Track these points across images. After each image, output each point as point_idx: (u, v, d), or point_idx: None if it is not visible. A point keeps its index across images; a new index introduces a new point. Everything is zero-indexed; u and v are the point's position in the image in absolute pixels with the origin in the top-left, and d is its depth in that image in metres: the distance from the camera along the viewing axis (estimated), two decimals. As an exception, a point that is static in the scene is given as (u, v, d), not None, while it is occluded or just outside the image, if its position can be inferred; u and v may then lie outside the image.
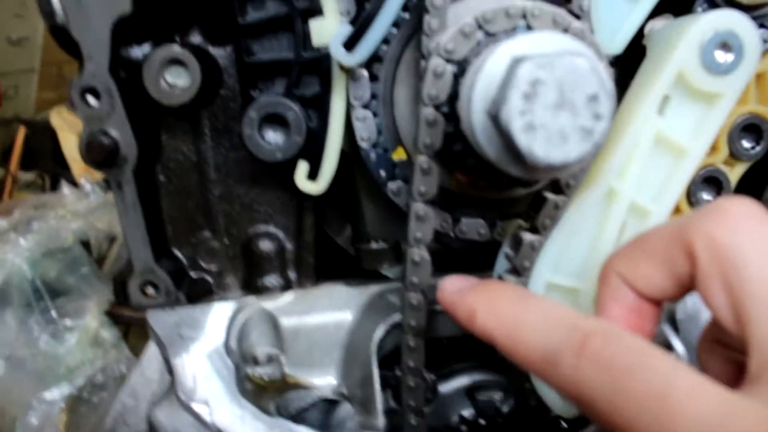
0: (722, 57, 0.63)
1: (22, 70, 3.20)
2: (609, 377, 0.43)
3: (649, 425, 0.41)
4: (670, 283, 0.50)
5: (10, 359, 2.09)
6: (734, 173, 0.75)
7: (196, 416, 0.67)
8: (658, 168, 0.65)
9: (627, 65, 0.69)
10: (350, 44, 0.63)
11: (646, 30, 0.70)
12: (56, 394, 2.11)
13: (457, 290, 0.54)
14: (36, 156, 2.91)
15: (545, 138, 0.50)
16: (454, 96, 0.59)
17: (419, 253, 0.63)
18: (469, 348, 0.80)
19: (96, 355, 2.19)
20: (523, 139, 0.50)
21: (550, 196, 0.63)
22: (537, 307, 0.50)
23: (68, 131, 2.91)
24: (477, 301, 0.52)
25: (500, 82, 0.51)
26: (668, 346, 0.79)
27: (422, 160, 0.61)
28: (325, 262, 0.84)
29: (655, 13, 0.68)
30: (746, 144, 0.75)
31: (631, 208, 0.65)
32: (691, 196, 0.74)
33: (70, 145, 2.87)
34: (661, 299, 0.52)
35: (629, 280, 0.52)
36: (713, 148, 0.74)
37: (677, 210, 0.75)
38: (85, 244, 2.32)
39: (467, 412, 0.76)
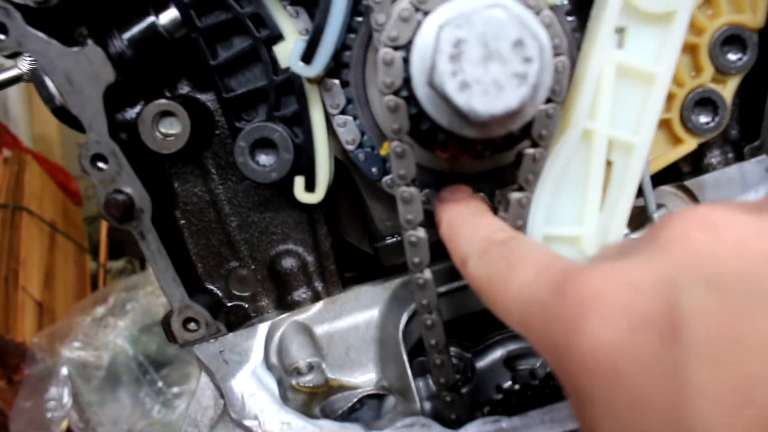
0: (664, -25, 0.63)
1: (96, 169, 3.44)
2: (488, 266, 0.52)
3: (498, 290, 0.49)
4: None
5: (130, 433, 2.22)
6: (727, 90, 0.74)
7: (248, 430, 0.71)
8: (630, 99, 0.65)
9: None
10: (307, 57, 0.67)
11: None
12: (176, 458, 2.23)
13: (443, 200, 0.67)
14: (122, 244, 3.11)
15: (482, 92, 0.52)
16: (408, 79, 0.61)
17: (414, 234, 0.65)
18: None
19: (206, 415, 2.30)
20: (460, 99, 0.52)
21: (527, 150, 0.64)
22: (477, 221, 0.60)
23: (146, 215, 3.09)
24: (444, 213, 0.64)
25: (430, 52, 0.53)
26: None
27: (395, 145, 0.64)
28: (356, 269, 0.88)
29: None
30: (732, 56, 0.73)
31: (612, 145, 0.65)
32: (687, 122, 0.74)
33: (149, 227, 3.05)
34: None
35: None
36: (697, 69, 0.73)
37: (678, 141, 0.75)
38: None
39: (505, 383, 0.77)
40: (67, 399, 2.24)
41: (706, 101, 0.74)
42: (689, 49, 0.72)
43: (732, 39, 0.72)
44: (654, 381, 0.36)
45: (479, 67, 0.52)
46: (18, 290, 2.40)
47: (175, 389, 2.33)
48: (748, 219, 0.40)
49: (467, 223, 0.61)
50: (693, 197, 0.76)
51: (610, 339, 0.38)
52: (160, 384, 2.30)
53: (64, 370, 2.26)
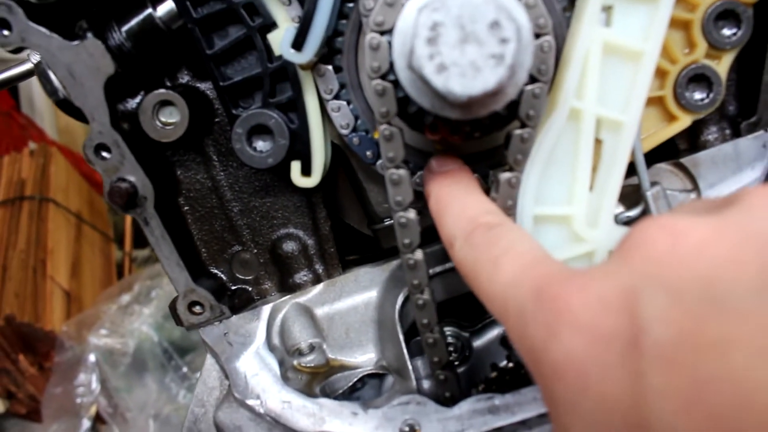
0: (652, -48, 0.63)
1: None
2: (473, 253, 0.52)
3: (483, 281, 0.50)
4: None
5: (157, 418, 2.28)
6: (722, 66, 0.74)
7: (251, 410, 0.74)
8: (618, 77, 0.65)
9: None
10: (297, 44, 0.68)
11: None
12: (202, 441, 2.28)
13: (432, 171, 0.66)
14: (147, 233, 3.16)
15: (459, 74, 0.53)
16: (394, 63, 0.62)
17: (404, 216, 0.66)
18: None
19: (230, 399, 2.35)
20: (438, 81, 0.53)
21: (515, 131, 0.65)
22: (464, 200, 0.60)
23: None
24: (433, 186, 0.64)
25: (410, 36, 0.54)
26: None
27: (383, 128, 0.65)
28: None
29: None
30: (726, 32, 0.73)
31: (600, 124, 0.65)
32: (680, 99, 0.73)
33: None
34: None
35: None
36: (690, 45, 0.73)
37: (672, 118, 0.75)
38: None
39: (501, 361, 0.78)
40: (95, 385, 2.31)
41: (701, 77, 0.73)
42: (682, 25, 0.72)
43: (726, 14, 0.72)
44: (617, 386, 0.39)
45: (456, 49, 0.52)
46: (46, 280, 2.46)
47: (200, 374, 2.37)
48: (706, 223, 0.42)
49: (455, 200, 0.61)
50: (689, 175, 0.76)
51: (579, 350, 0.41)
52: (184, 369, 2.36)
53: (92, 357, 2.32)
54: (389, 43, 0.62)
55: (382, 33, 0.62)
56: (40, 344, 2.39)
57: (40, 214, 2.58)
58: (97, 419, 2.33)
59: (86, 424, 2.29)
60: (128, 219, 3.04)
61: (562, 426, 0.42)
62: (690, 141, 0.78)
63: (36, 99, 3.06)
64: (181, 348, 2.40)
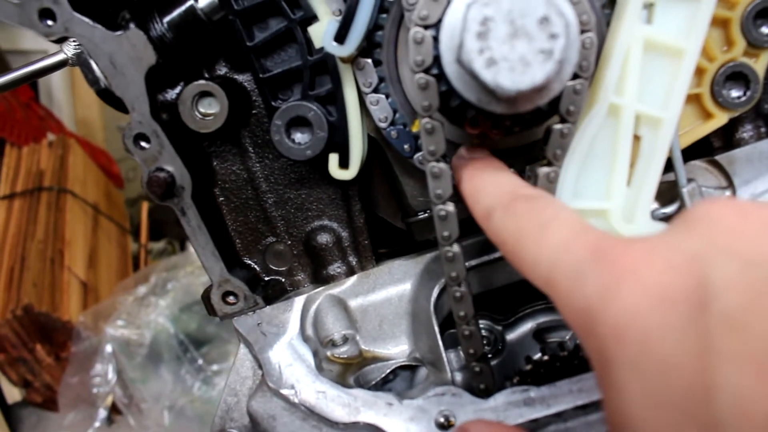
0: (696, -50, 0.63)
1: (136, 153, 3.54)
2: (516, 221, 0.53)
3: (528, 247, 0.50)
4: None
5: (172, 409, 2.30)
6: (760, 64, 0.74)
7: (285, 399, 0.74)
8: (658, 74, 0.65)
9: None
10: (340, 37, 0.69)
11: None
12: (217, 433, 2.30)
13: (462, 157, 0.67)
14: (163, 225, 3.19)
15: (508, 68, 0.53)
16: (438, 57, 0.63)
17: (444, 209, 0.67)
18: (532, 290, 0.82)
19: (244, 392, 2.36)
20: (488, 75, 0.54)
21: (555, 126, 0.65)
22: (499, 177, 0.61)
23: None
24: (465, 169, 0.65)
25: (458, 30, 0.55)
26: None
27: (425, 121, 0.65)
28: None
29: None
30: (765, 30, 0.73)
31: (639, 120, 0.65)
32: (717, 97, 0.74)
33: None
34: None
35: None
36: (729, 43, 0.73)
37: (708, 115, 0.75)
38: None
39: (535, 354, 0.78)
40: (111, 375, 2.33)
41: (738, 75, 0.73)
42: (721, 23, 0.72)
43: (765, 12, 0.72)
44: (682, 346, 0.39)
45: (506, 44, 0.53)
46: (64, 270, 2.48)
47: (215, 367, 2.39)
48: None
49: (490, 177, 0.62)
50: (724, 172, 0.76)
51: (643, 309, 0.41)
52: (200, 362, 2.37)
53: (109, 348, 2.34)
54: (433, 38, 0.63)
55: (426, 27, 0.63)
56: (57, 334, 2.41)
57: (58, 205, 2.60)
58: (113, 409, 2.35)
59: (102, 413, 2.31)
60: (144, 212, 3.06)
61: (616, 388, 0.42)
62: (725, 139, 0.79)
63: (55, 91, 3.08)
64: (197, 340, 2.42)
